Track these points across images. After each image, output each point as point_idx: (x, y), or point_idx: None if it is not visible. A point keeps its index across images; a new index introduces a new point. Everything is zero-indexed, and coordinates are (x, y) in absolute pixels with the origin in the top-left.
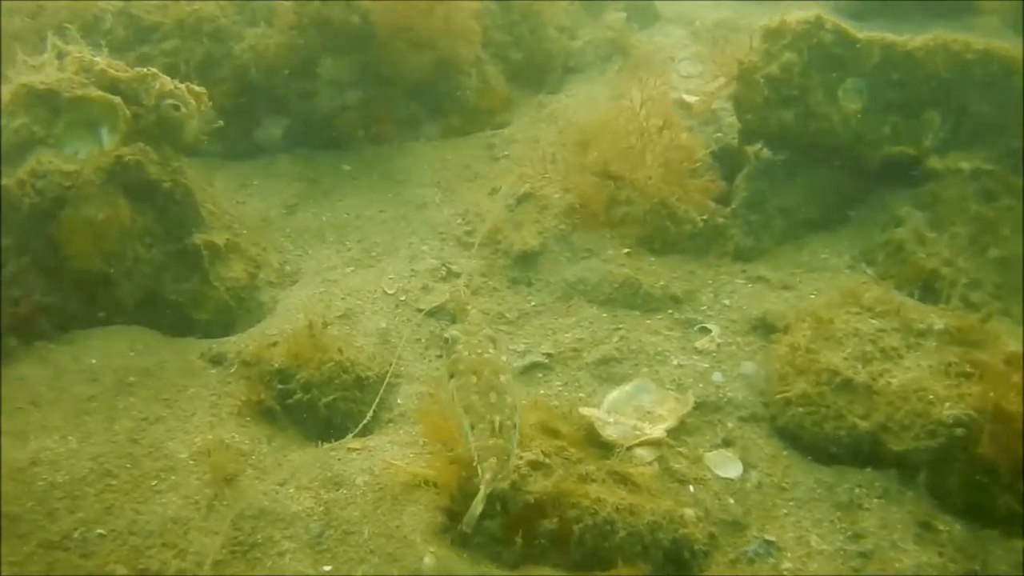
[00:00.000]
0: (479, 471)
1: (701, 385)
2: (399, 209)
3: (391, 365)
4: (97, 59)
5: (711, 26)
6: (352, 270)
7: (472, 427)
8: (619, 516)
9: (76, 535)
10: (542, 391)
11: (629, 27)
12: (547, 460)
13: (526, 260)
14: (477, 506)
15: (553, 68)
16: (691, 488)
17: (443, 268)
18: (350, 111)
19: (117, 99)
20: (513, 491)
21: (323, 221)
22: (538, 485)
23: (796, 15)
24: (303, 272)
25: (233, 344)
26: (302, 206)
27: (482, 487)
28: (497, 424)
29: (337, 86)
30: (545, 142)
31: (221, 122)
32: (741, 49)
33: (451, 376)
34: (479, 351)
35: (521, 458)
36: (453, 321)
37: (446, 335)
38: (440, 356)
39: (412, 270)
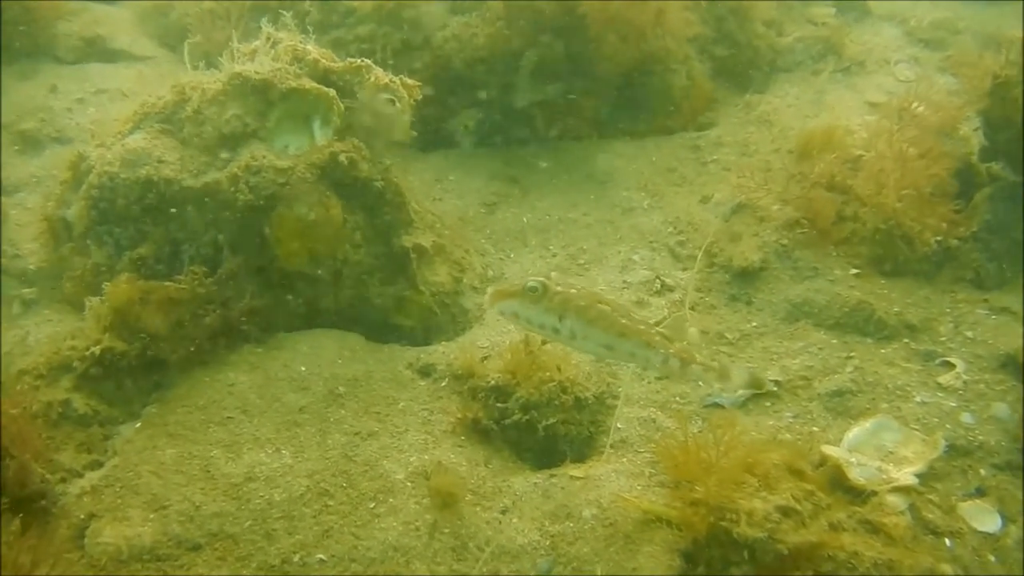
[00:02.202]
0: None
1: (949, 426)
2: (604, 213)
3: (619, 387)
4: (309, 48)
5: (927, 26)
6: (583, 286)
7: (647, 344)
8: (878, 572)
9: (296, 559)
10: (772, 422)
11: (843, 24)
12: (797, 506)
13: (745, 276)
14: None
15: (759, 66)
16: (948, 542)
17: (657, 281)
18: (550, 105)
19: (332, 92)
20: (765, 539)
21: (524, 223)
22: (792, 535)
23: None
24: (507, 278)
25: (441, 354)
26: (501, 205)
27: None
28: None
29: (538, 79)
30: (760, 148)
31: None
32: (996, 61)
33: (561, 317)
34: (576, 288)
35: (769, 502)
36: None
37: (530, 283)
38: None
39: (624, 281)
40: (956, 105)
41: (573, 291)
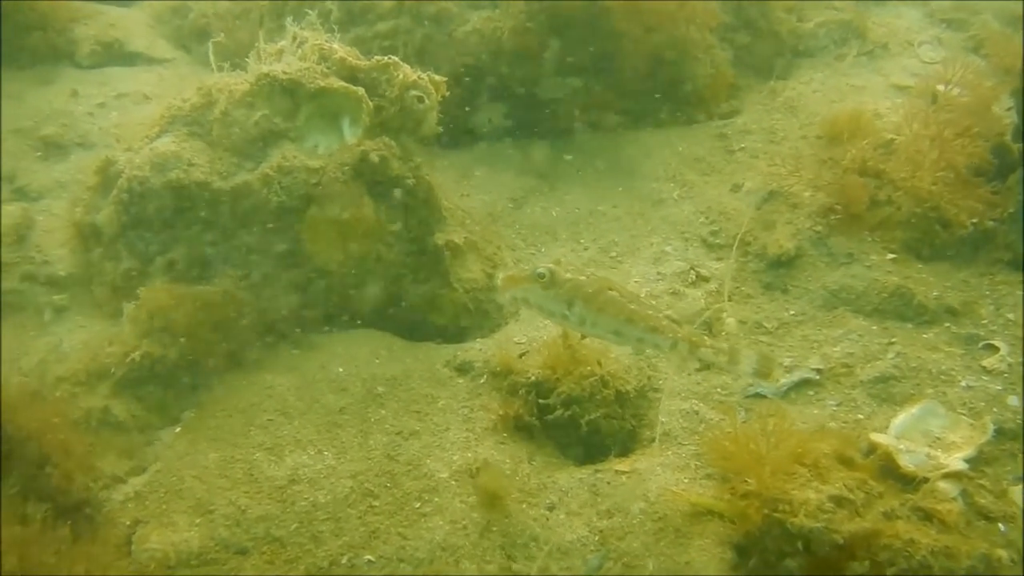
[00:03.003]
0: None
1: (995, 409)
2: (633, 205)
3: (661, 379)
4: (335, 46)
5: (949, 7)
6: (593, 272)
7: (654, 329)
8: (935, 560)
9: (344, 561)
10: (816, 411)
11: (865, 7)
12: (850, 495)
13: (781, 264)
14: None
15: (782, 52)
16: (1001, 527)
17: (692, 272)
18: (574, 97)
19: (361, 91)
20: (820, 529)
21: (553, 216)
22: (847, 524)
23: None
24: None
25: (478, 351)
26: (529, 200)
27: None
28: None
29: (562, 71)
30: (788, 135)
31: None
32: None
33: (570, 304)
34: (585, 274)
35: (821, 492)
36: (709, 330)
37: (540, 270)
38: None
39: (658, 273)
40: (988, 85)
41: (582, 278)
